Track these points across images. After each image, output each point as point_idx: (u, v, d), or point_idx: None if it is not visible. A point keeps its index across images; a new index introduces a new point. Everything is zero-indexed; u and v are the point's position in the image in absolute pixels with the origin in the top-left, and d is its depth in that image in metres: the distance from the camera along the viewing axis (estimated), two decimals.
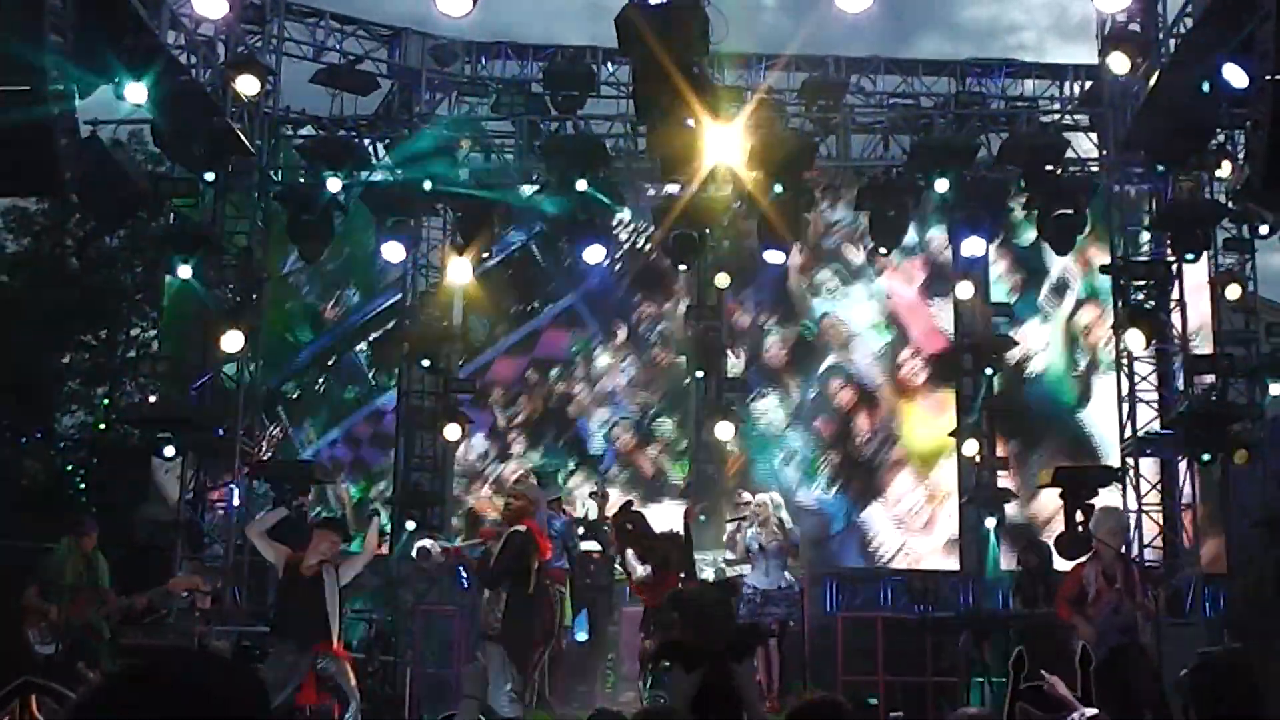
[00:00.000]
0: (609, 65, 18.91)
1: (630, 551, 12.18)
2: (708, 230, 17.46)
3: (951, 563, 19.31)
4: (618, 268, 20.35)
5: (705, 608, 3.34)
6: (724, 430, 18.12)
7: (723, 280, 18.68)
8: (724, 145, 15.70)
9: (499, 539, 10.24)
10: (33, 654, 11.81)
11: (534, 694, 12.61)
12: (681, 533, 12.32)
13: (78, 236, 28.41)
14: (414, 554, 11.26)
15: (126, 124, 18.31)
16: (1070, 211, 16.53)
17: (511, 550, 10.01)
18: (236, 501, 17.13)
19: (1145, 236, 18.29)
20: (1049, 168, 16.77)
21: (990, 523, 18.33)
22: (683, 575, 11.85)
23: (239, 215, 18.00)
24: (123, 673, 1.80)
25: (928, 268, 20.43)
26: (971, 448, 18.38)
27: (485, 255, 17.99)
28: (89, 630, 12.00)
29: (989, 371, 18.57)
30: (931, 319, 20.36)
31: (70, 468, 27.35)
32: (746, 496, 14.00)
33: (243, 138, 17.09)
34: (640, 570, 12.00)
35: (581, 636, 13.86)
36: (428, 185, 17.36)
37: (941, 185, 16.74)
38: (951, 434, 18.92)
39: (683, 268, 18.27)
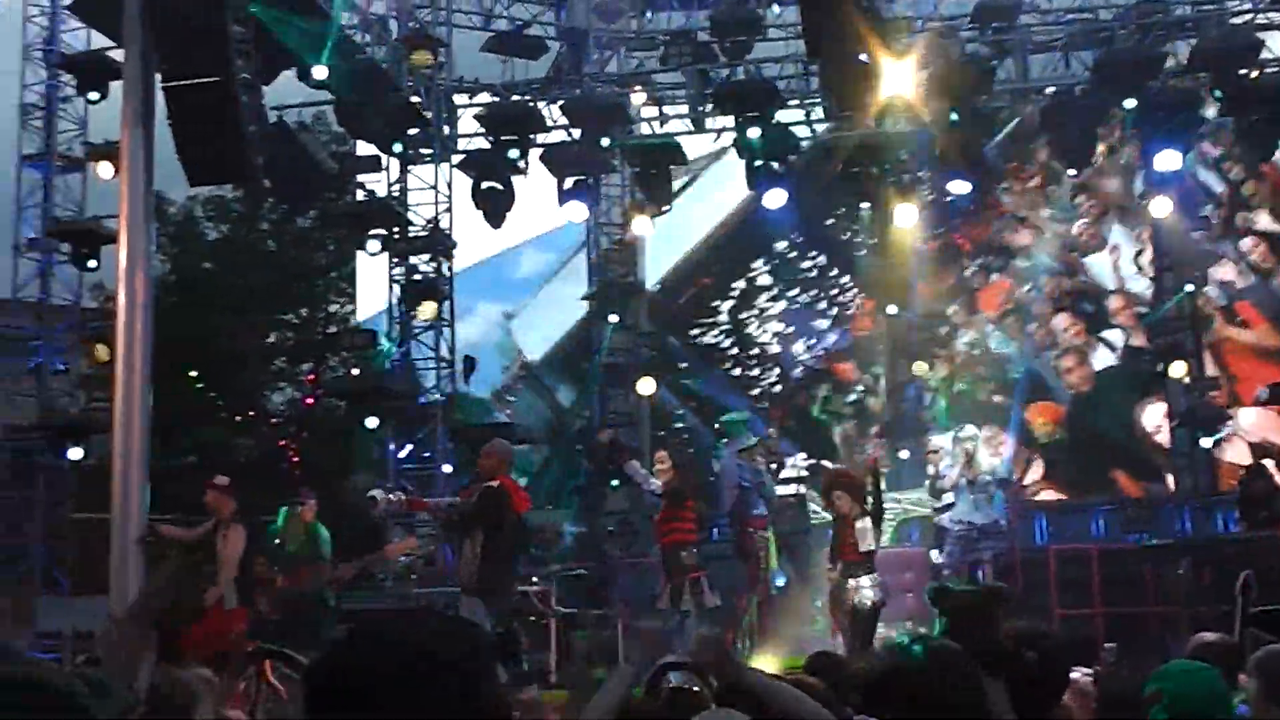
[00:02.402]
0: (775, 7, 18.73)
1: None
2: (887, 165, 17.19)
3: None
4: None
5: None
6: (920, 367, 17.92)
7: (904, 214, 18.37)
8: (898, 77, 15.42)
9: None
10: (263, 621, 12.32)
11: (743, 640, 12.76)
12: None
13: (272, 219, 29.30)
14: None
15: (309, 107, 18.81)
16: (1268, 116, 15.83)
17: (481, 503, 10.16)
18: (448, 469, 17.54)
19: None
20: (1243, 71, 16.07)
21: (1206, 442, 17.75)
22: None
23: (423, 186, 18.37)
24: (356, 634, 1.87)
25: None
26: (1179, 369, 17.74)
27: (665, 209, 18.01)
28: (313, 597, 12.46)
29: (1189, 289, 17.95)
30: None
31: (281, 443, 28.32)
32: (952, 433, 13.90)
33: (421, 110, 17.41)
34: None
35: (781, 582, 13.88)
36: (605, 142, 17.45)
37: (1129, 101, 16.17)
38: (1159, 356, 18.33)
39: (864, 205, 18.04)
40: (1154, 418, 19.26)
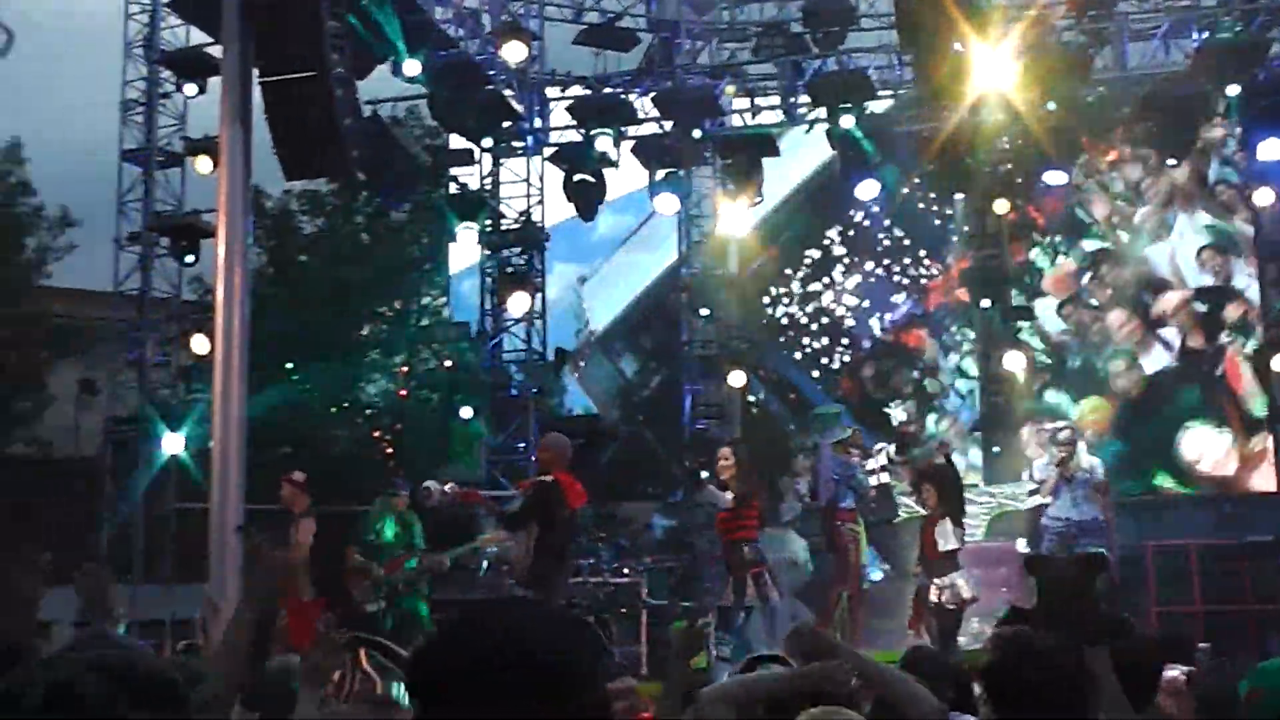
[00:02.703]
0: None
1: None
2: (981, 156, 17.00)
3: (1267, 483, 18.39)
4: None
5: (1063, 585, 3.20)
6: (1014, 360, 17.69)
7: (1001, 206, 18.14)
8: (994, 67, 15.23)
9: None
10: (359, 611, 12.46)
11: (835, 633, 12.68)
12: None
13: (366, 213, 29.60)
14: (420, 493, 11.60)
15: (403, 101, 18.98)
16: None
17: (534, 498, 10.19)
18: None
19: None
20: None
21: None
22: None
23: (515, 179, 18.46)
24: (463, 621, 1.88)
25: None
26: None
27: (757, 200, 17.94)
28: (407, 587, 12.58)
29: None
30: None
31: (376, 434, 28.62)
32: (1049, 427, 13.73)
33: (513, 103, 17.49)
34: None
35: (876, 575, 13.80)
36: (696, 134, 17.42)
37: (1231, 88, 15.84)
38: (1258, 351, 17.98)
39: (958, 196, 17.85)
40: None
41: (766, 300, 20.88)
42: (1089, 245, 19.87)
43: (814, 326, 20.77)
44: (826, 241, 20.96)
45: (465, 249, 18.21)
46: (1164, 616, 13.99)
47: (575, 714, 1.82)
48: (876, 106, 17.24)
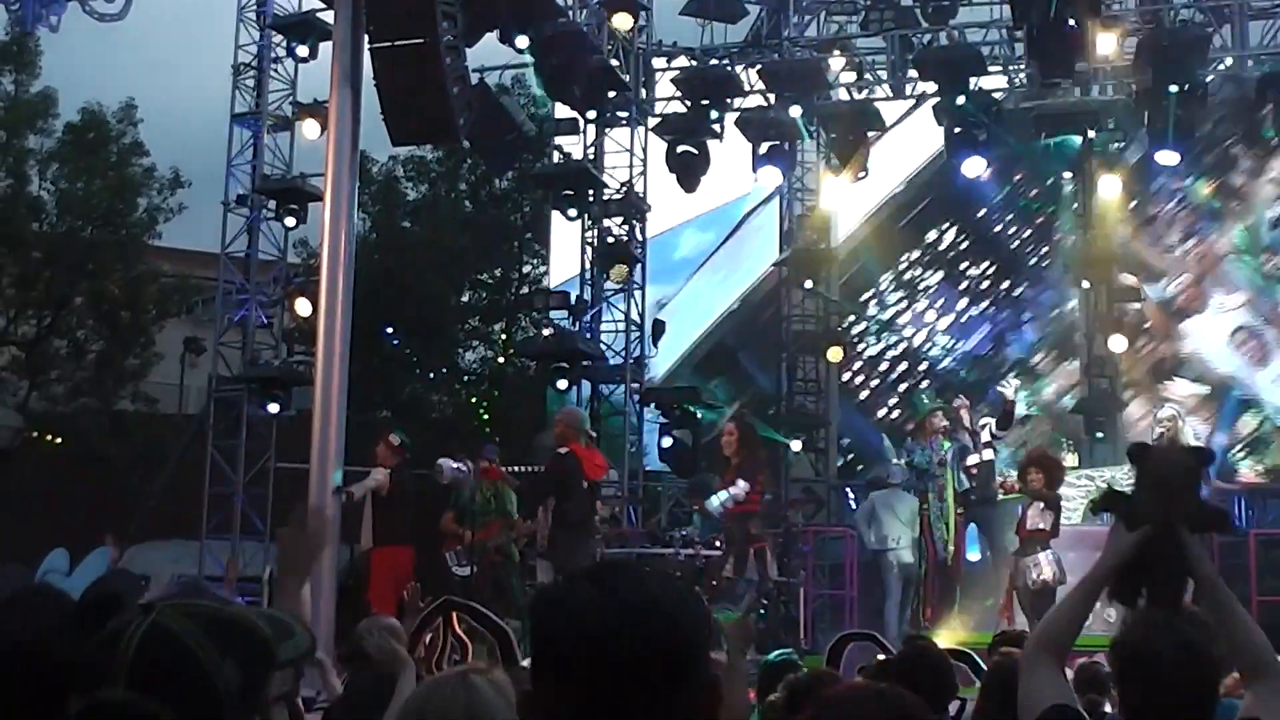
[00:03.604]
0: None
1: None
2: (1092, 134, 16.68)
3: None
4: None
5: (1171, 468, 3.13)
6: (1116, 343, 17.39)
7: (1109, 186, 17.81)
8: (1107, 44, 14.96)
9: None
10: (451, 575, 12.60)
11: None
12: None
13: (470, 181, 29.78)
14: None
15: (510, 69, 19.03)
16: None
17: (550, 471, 10.28)
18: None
19: None
20: None
21: None
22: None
23: (619, 150, 18.47)
24: (584, 573, 1.89)
25: None
26: None
27: (861, 175, 17.78)
28: (499, 552, 12.69)
29: None
30: None
31: (474, 400, 28.86)
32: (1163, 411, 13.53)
33: (620, 74, 17.47)
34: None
35: (973, 556, 13.66)
36: (799, 109, 17.27)
37: None
38: None
39: (1066, 175, 17.56)
40: None
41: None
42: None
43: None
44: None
45: (566, 218, 18.23)
46: (1265, 607, 13.71)
47: (687, 680, 1.82)
48: (986, 83, 16.96)
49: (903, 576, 13.28)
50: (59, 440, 25.68)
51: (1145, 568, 3.07)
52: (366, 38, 10.70)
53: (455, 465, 11.64)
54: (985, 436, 13.62)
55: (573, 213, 17.69)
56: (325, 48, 14.27)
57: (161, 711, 1.83)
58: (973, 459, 13.45)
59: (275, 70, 17.86)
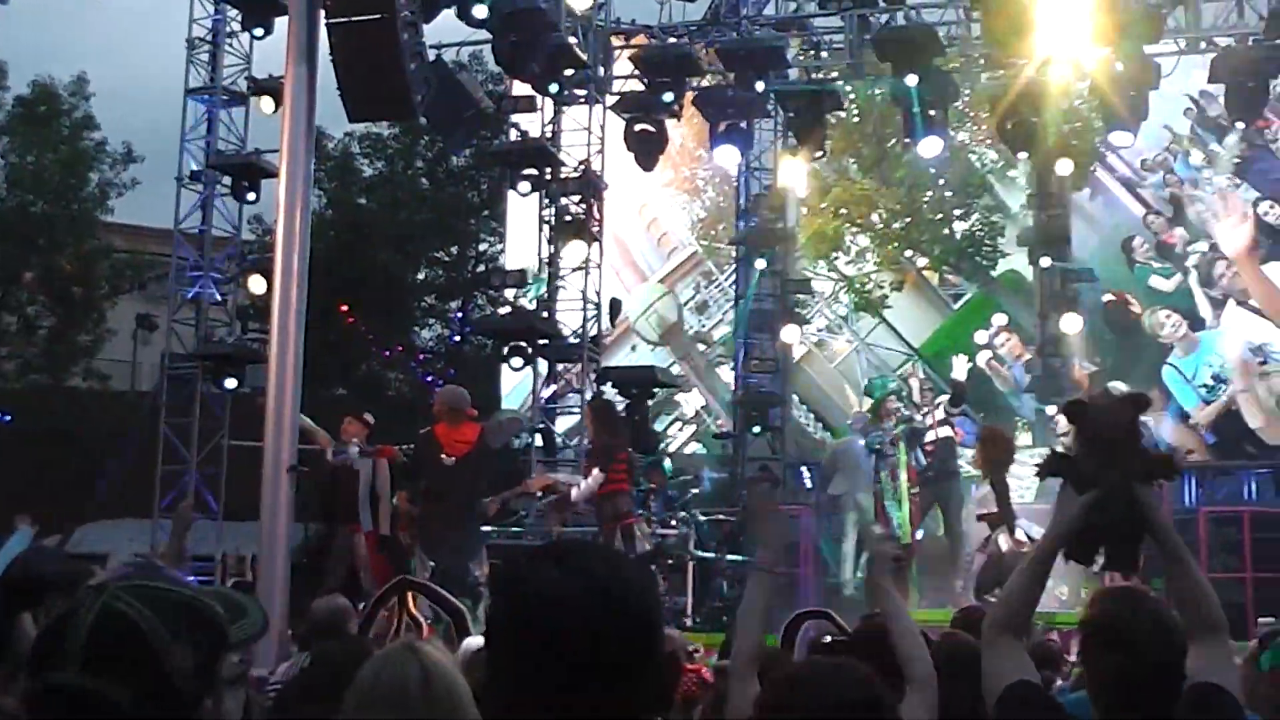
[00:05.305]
0: None
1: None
2: (1047, 115, 16.74)
3: None
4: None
5: (1110, 421, 3.12)
6: (1070, 323, 17.50)
7: (1065, 166, 17.89)
8: (1063, 24, 14.99)
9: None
10: (408, 556, 12.56)
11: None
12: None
13: (427, 158, 29.65)
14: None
15: (467, 46, 18.94)
16: None
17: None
18: None
19: None
20: None
21: None
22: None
23: (577, 128, 18.42)
24: (540, 551, 1.90)
25: None
26: None
27: (819, 154, 17.80)
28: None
29: None
30: None
31: (429, 378, 28.79)
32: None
33: (578, 51, 17.41)
34: None
35: (921, 534, 13.72)
36: (759, 86, 17.26)
37: None
38: None
39: (1022, 155, 17.61)
40: None
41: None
42: None
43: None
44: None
45: (523, 196, 18.17)
46: (1215, 583, 13.86)
47: (648, 657, 1.83)
48: (943, 64, 16.99)
49: (859, 522, 13.41)
50: (9, 417, 25.47)
51: (1100, 528, 3.08)
52: (323, 13, 10.61)
53: (356, 449, 11.79)
54: (940, 414, 13.71)
55: (527, 188, 17.63)
56: (281, 23, 14.13)
57: (114, 693, 1.83)
58: (930, 436, 13.54)
59: (230, 45, 17.71)
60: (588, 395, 17.79)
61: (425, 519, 11.05)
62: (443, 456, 10.68)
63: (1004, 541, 11.57)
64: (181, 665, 1.91)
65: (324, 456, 11.89)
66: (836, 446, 15.04)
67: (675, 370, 20.61)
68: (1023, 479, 13.15)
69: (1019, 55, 15.66)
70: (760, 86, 17.14)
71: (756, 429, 19.12)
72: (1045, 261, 18.02)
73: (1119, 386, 12.98)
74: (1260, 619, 11.22)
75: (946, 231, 20.69)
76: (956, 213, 20.62)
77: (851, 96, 19.29)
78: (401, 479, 11.74)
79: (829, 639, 5.83)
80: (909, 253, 20.83)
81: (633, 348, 21.39)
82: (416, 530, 11.21)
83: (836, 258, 20.86)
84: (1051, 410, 18.05)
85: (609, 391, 17.68)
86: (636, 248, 21.83)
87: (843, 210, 20.76)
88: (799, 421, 20.49)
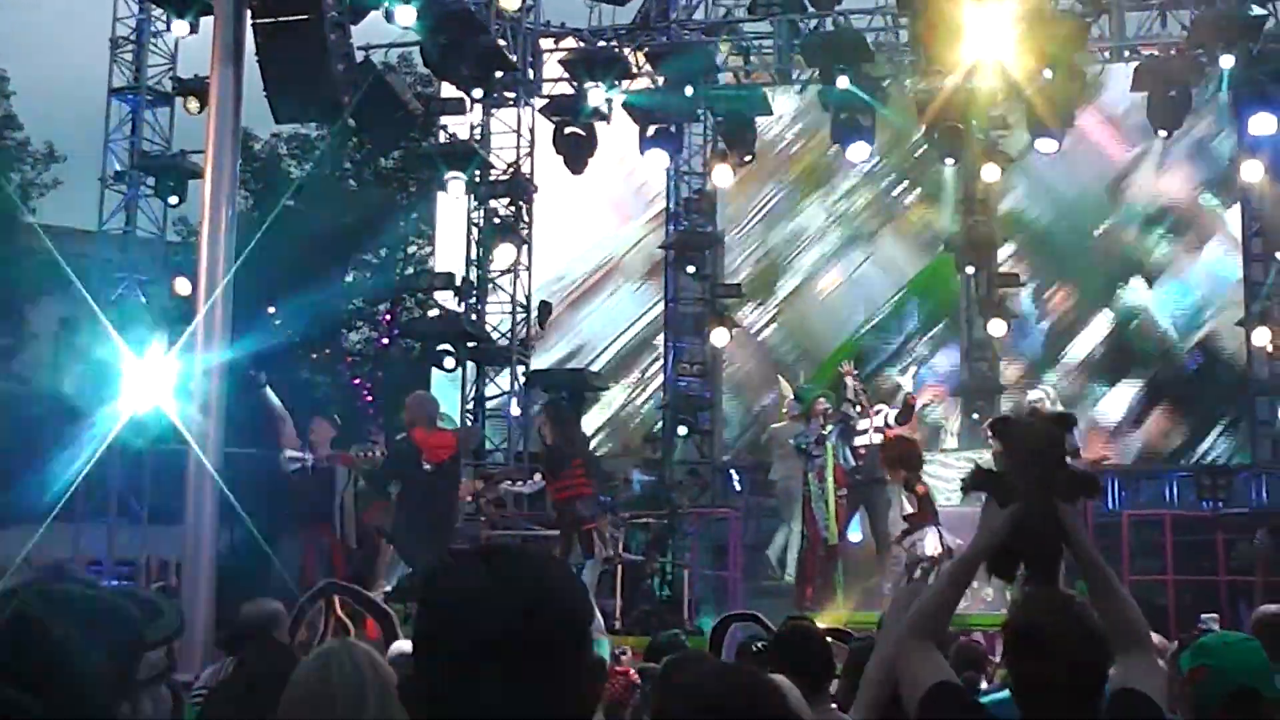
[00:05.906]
0: None
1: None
2: (974, 122, 16.92)
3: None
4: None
5: (1035, 438, 3.17)
6: (996, 327, 17.70)
7: (991, 173, 18.08)
8: (990, 32, 15.14)
9: None
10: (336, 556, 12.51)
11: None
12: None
13: (355, 159, 29.45)
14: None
15: (396, 47, 18.81)
16: None
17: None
18: (516, 411, 17.66)
19: None
20: None
21: None
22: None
23: (506, 130, 18.37)
24: (468, 553, 1.90)
25: None
26: (1262, 336, 17.40)
27: (748, 159, 17.87)
28: (380, 534, 12.60)
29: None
30: None
31: (357, 381, 28.59)
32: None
33: (507, 54, 17.36)
34: None
35: (854, 537, 13.80)
36: (689, 91, 17.30)
37: (1226, 61, 15.74)
38: (1239, 324, 18.04)
39: (949, 161, 17.77)
40: None
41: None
42: None
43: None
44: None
45: (453, 199, 18.09)
46: (1136, 584, 14.06)
47: (577, 658, 1.82)
48: (871, 69, 17.10)
49: (791, 510, 13.52)
50: None
51: (1022, 542, 3.12)
52: (249, 12, 10.51)
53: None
54: (879, 422, 13.73)
55: (457, 190, 17.55)
56: (206, 22, 13.95)
57: (26, 702, 1.79)
58: (861, 440, 13.58)
59: (155, 44, 17.50)
60: (513, 401, 17.78)
61: (402, 524, 10.94)
62: (423, 463, 10.72)
63: (930, 543, 11.69)
64: (96, 669, 1.89)
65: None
66: (777, 429, 15.04)
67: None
68: (949, 481, 13.27)
69: (946, 63, 15.78)
70: (689, 91, 17.19)
71: (684, 430, 19.17)
72: (970, 269, 18.24)
73: (1044, 403, 13.16)
74: (1203, 615, 11.39)
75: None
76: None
77: None
78: (369, 485, 11.69)
79: (757, 646, 5.86)
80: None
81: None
82: (392, 535, 11.11)
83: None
84: (975, 416, 18.32)
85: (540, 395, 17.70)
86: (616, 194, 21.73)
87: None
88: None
